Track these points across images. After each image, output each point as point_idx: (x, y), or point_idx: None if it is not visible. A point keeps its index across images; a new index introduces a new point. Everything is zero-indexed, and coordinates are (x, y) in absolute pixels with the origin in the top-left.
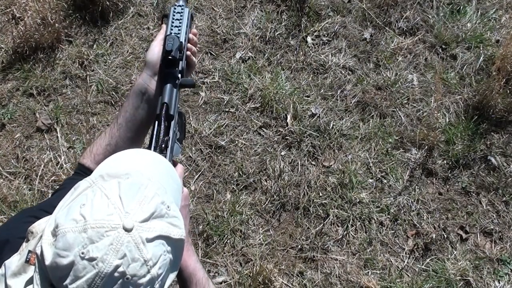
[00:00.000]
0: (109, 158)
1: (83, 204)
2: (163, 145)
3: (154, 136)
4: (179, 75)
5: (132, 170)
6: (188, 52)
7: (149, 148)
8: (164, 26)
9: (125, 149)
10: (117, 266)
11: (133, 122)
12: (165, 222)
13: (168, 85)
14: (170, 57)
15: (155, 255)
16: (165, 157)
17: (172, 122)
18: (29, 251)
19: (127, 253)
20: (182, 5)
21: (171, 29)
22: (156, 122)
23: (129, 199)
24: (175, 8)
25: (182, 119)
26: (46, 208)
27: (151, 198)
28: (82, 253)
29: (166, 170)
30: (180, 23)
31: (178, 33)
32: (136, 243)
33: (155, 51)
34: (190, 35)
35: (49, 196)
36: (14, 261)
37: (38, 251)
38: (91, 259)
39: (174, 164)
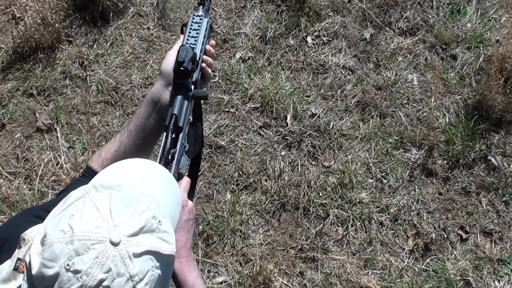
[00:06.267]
0: (107, 168)
1: (72, 215)
2: (169, 157)
3: (161, 147)
4: (192, 87)
5: (126, 182)
6: (204, 64)
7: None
8: (182, 36)
9: (133, 156)
10: (102, 280)
11: (143, 131)
12: (155, 237)
13: (179, 97)
14: (182, 68)
15: (142, 270)
16: (170, 169)
17: (181, 134)
18: (18, 259)
19: (113, 267)
20: (201, 15)
21: (188, 40)
22: (164, 133)
23: (119, 212)
24: (193, 18)
25: (197, 131)
26: (50, 208)
27: (142, 212)
28: (67, 265)
29: (166, 183)
30: (197, 33)
31: (194, 44)
32: (122, 257)
33: (170, 60)
34: (207, 46)
35: (54, 196)
36: (5, 267)
37: (27, 260)
38: (75, 272)
39: (180, 177)
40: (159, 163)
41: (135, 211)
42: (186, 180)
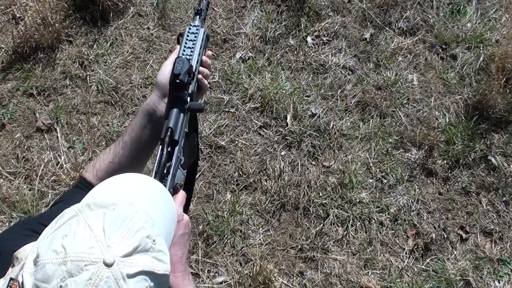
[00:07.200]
0: (101, 184)
1: (65, 235)
2: (164, 171)
3: (157, 161)
4: (188, 99)
5: (120, 200)
6: (200, 76)
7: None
8: (178, 46)
9: (127, 167)
10: None
11: (138, 142)
12: (149, 256)
13: (175, 110)
14: (178, 81)
15: None
16: (166, 183)
17: (176, 148)
18: (11, 279)
19: None
20: (198, 26)
21: (184, 51)
22: (160, 147)
23: (113, 232)
24: (190, 28)
25: (192, 142)
26: (45, 221)
27: (136, 231)
28: (60, 286)
29: (161, 198)
30: (193, 44)
31: (190, 55)
32: (116, 278)
33: (166, 71)
34: (204, 57)
35: (54, 196)
36: None
37: (20, 280)
38: None
39: (176, 190)
40: (155, 177)
41: (129, 230)
42: (181, 194)
